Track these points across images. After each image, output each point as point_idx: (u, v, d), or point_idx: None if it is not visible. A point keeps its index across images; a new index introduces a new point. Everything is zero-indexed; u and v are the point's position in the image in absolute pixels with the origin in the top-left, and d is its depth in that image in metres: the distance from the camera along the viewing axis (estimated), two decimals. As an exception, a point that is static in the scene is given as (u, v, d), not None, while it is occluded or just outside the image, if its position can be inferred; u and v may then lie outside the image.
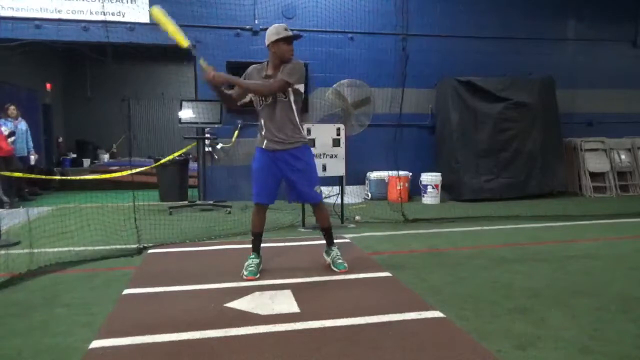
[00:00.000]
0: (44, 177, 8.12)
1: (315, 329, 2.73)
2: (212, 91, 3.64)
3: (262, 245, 3.90)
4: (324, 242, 4.04)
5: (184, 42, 3.60)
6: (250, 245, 3.89)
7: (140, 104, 15.17)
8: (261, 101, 3.66)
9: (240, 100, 3.76)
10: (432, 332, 2.70)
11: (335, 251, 3.94)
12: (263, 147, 3.69)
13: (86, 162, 13.41)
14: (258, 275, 3.70)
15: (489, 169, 8.30)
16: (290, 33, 3.61)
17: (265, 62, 3.72)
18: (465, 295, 3.34)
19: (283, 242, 4.94)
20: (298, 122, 3.69)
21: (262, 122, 3.70)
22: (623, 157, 9.25)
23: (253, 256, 3.80)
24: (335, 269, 3.86)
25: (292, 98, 3.63)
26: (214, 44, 8.10)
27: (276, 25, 3.67)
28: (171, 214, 6.86)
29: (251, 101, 3.81)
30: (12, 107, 8.27)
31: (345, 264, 3.88)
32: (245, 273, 3.67)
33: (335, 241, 4.06)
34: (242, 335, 2.64)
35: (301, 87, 3.68)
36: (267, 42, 3.64)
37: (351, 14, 8.55)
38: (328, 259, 3.96)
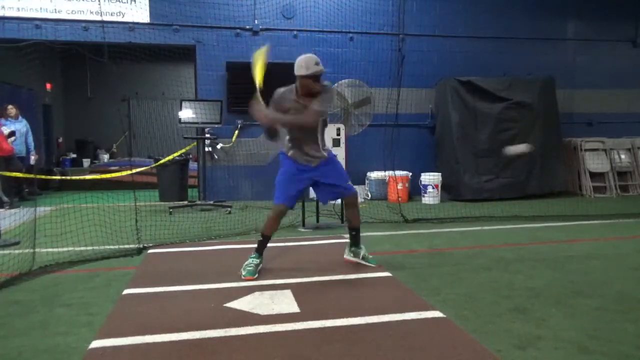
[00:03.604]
0: (44, 177, 8.12)
1: (315, 329, 2.73)
2: (267, 132, 3.68)
3: (263, 245, 3.90)
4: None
5: (259, 81, 3.62)
6: (252, 245, 3.88)
7: (140, 104, 15.15)
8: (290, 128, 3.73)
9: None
10: (432, 332, 2.70)
11: (364, 249, 4.03)
12: (297, 160, 3.75)
13: (86, 162, 13.41)
14: (256, 275, 3.69)
15: (489, 169, 8.30)
16: (319, 68, 3.53)
17: (293, 86, 3.67)
18: (465, 295, 3.34)
19: (283, 242, 4.94)
20: (323, 137, 3.81)
21: (291, 140, 3.76)
22: (623, 157, 9.24)
23: (254, 256, 3.79)
24: (370, 264, 3.95)
25: (320, 122, 3.72)
26: (214, 44, 8.11)
27: (306, 57, 3.57)
28: (171, 214, 6.87)
29: None
30: (10, 107, 8.27)
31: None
32: (243, 273, 3.67)
33: (335, 241, 4.08)
34: (242, 335, 2.64)
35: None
36: (296, 73, 3.59)
37: (350, 14, 8.56)
38: (355, 258, 4.02)
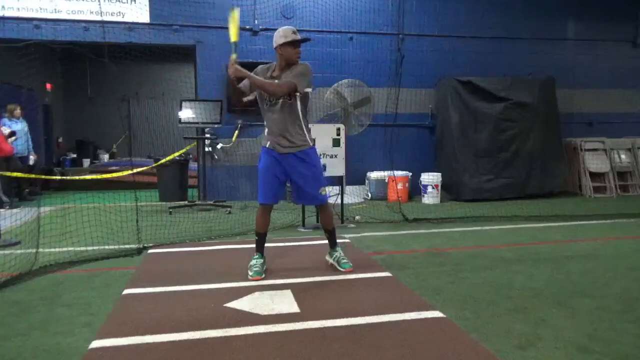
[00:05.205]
0: (44, 177, 8.11)
1: (315, 329, 2.73)
2: (229, 83, 3.67)
3: (262, 245, 3.89)
4: (324, 242, 4.05)
5: (234, 37, 3.62)
6: (251, 245, 3.88)
7: (140, 104, 15.15)
8: (266, 102, 3.66)
9: (246, 97, 3.76)
10: (432, 332, 2.70)
11: (339, 252, 3.94)
12: (267, 146, 3.71)
13: (86, 162, 13.40)
14: (263, 275, 3.68)
15: (489, 169, 8.30)
16: (297, 36, 3.60)
17: (273, 63, 3.73)
18: (465, 295, 3.34)
19: (283, 242, 4.94)
20: (303, 125, 3.69)
21: (266, 122, 3.72)
22: (623, 157, 9.25)
23: (257, 256, 3.79)
24: (340, 268, 3.85)
25: (298, 101, 3.64)
26: (214, 44, 8.10)
27: (284, 27, 3.65)
28: (171, 214, 6.87)
29: (255, 100, 3.81)
30: (18, 107, 8.31)
31: (350, 263, 3.87)
32: (250, 274, 3.66)
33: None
34: (242, 335, 2.64)
35: (309, 90, 3.69)
36: (274, 45, 3.63)
37: (350, 14, 8.55)
38: (331, 260, 3.96)
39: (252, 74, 3.56)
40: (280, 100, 3.60)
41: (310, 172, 3.71)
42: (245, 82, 3.65)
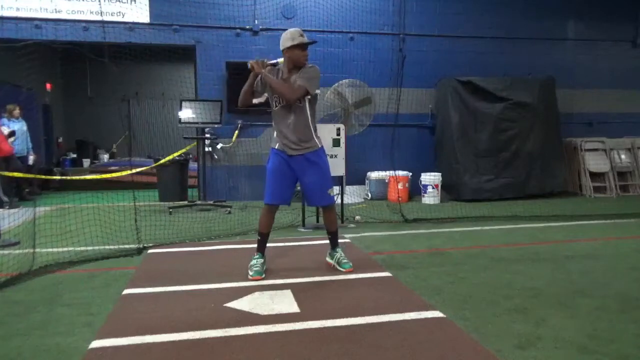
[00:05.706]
0: (44, 177, 8.12)
1: (315, 329, 2.73)
2: (250, 77, 3.65)
3: (262, 245, 3.89)
4: (324, 242, 4.05)
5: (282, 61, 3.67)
6: (251, 245, 3.88)
7: (140, 104, 15.15)
8: (276, 103, 3.67)
9: (256, 99, 3.77)
10: (432, 332, 2.70)
11: (339, 252, 3.95)
12: (277, 148, 3.71)
13: (86, 162, 13.40)
14: (264, 275, 3.68)
15: (489, 169, 8.29)
16: (305, 39, 3.60)
17: (280, 67, 3.72)
18: (465, 295, 3.34)
19: (283, 242, 4.94)
20: (312, 126, 3.70)
21: (276, 124, 3.73)
22: (623, 157, 9.24)
23: (257, 256, 3.79)
24: (341, 269, 3.85)
25: (307, 103, 3.65)
26: (214, 44, 8.10)
27: (291, 30, 3.65)
28: (171, 213, 6.86)
29: (264, 102, 3.81)
30: (18, 108, 8.32)
31: (351, 263, 3.87)
32: (250, 273, 3.66)
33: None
34: (242, 335, 2.64)
35: (317, 92, 3.71)
36: (281, 47, 3.62)
37: (351, 13, 8.55)
38: (332, 261, 3.96)
39: (271, 76, 3.59)
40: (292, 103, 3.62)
41: (319, 173, 3.73)
42: (258, 82, 3.67)
